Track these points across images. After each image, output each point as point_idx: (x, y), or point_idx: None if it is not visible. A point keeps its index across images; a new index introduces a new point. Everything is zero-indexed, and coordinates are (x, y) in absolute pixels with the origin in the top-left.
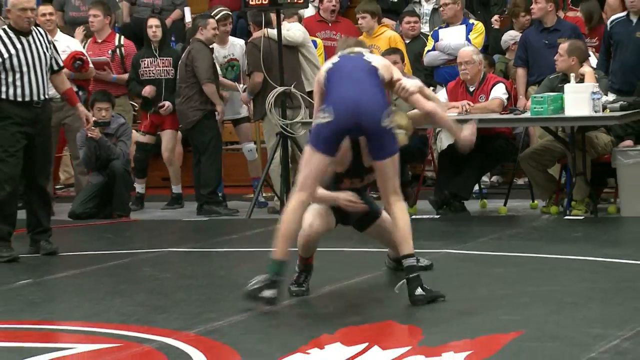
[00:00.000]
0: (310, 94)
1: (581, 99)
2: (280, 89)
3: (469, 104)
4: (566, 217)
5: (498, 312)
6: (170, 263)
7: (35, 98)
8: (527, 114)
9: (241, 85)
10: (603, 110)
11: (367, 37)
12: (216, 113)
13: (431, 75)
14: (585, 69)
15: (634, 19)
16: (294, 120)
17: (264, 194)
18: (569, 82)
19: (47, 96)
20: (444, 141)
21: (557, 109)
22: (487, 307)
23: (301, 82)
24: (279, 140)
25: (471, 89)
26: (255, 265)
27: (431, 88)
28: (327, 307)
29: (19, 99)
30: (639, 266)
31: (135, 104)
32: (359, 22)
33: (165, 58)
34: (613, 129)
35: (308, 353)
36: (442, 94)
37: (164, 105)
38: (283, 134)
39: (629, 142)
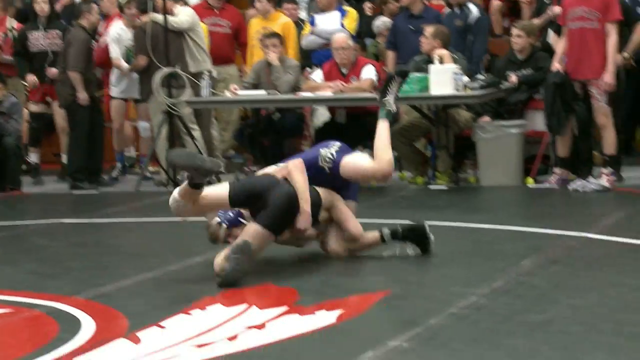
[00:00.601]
0: (195, 75)
1: (444, 79)
2: (166, 70)
3: (342, 84)
4: (431, 187)
5: (368, 274)
6: (61, 233)
7: None
8: None
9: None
10: (464, 90)
11: (262, 20)
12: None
13: (309, 58)
14: (443, 51)
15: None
16: (179, 99)
17: (150, 169)
18: (433, 63)
19: None
20: (320, 118)
21: (422, 88)
22: (359, 269)
23: (186, 63)
24: (165, 118)
25: (344, 71)
26: (142, 234)
27: (308, 69)
28: (209, 272)
29: None
30: (494, 231)
31: (27, 84)
32: (255, 4)
33: (53, 31)
34: (472, 106)
35: (190, 314)
36: (317, 74)
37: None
38: (169, 112)
39: (486, 119)
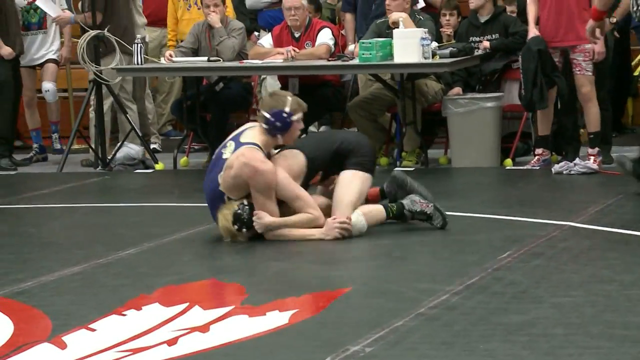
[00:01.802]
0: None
1: (410, 44)
2: (92, 33)
3: (294, 50)
4: (396, 169)
5: (324, 268)
6: None
7: None
8: (356, 61)
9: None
10: (433, 57)
11: None
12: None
13: (255, 20)
14: (401, 14)
15: None
16: (109, 67)
17: (75, 146)
18: (397, 27)
19: None
20: (269, 89)
21: (385, 56)
22: (313, 263)
23: (133, 24)
24: (92, 88)
25: (297, 35)
26: (67, 222)
27: (256, 33)
28: (145, 265)
29: None
30: (467, 218)
31: None
32: None
33: None
34: (443, 77)
35: (124, 314)
36: (267, 39)
37: None
38: (97, 81)
39: (457, 90)
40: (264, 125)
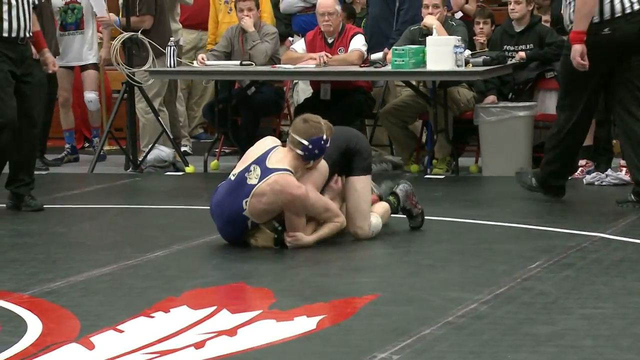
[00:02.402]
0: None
1: (443, 52)
2: (125, 35)
3: (327, 56)
4: (427, 176)
5: (353, 275)
6: (2, 220)
7: (21, 34)
8: (388, 67)
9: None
10: (465, 65)
11: None
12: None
13: (290, 25)
14: (432, 21)
15: None
16: (141, 69)
17: (107, 147)
18: (430, 34)
19: (30, 34)
20: (300, 94)
21: (418, 62)
22: (342, 270)
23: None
24: (124, 90)
25: (330, 41)
26: (97, 223)
27: (290, 38)
28: (173, 268)
29: (5, 34)
30: (497, 227)
31: None
32: None
33: None
34: (475, 85)
35: (152, 317)
36: (300, 44)
37: None
38: (129, 82)
39: (492, 98)
40: (300, 152)
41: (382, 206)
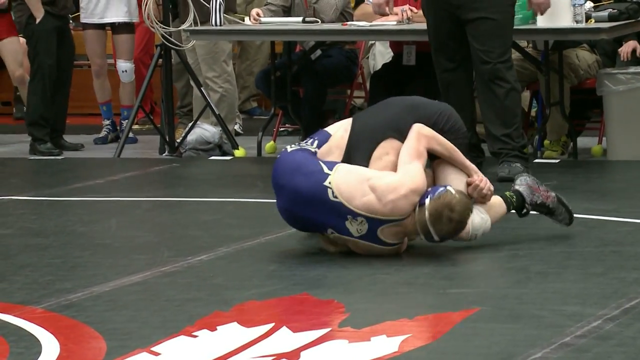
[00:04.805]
0: None
1: (558, 4)
2: None
3: (411, 10)
4: (537, 160)
5: (445, 284)
6: (11, 215)
7: None
8: None
9: None
10: (587, 21)
11: None
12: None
13: None
14: None
15: None
16: (180, 28)
17: (136, 126)
18: None
19: None
20: (377, 59)
21: (526, 19)
22: (431, 278)
23: None
24: (159, 53)
25: None
26: (125, 220)
27: None
28: (221, 275)
29: None
30: (627, 225)
31: None
32: None
33: None
34: (599, 46)
35: (195, 336)
36: None
37: None
38: (165, 45)
39: (633, 44)
40: (422, 235)
41: (493, 201)
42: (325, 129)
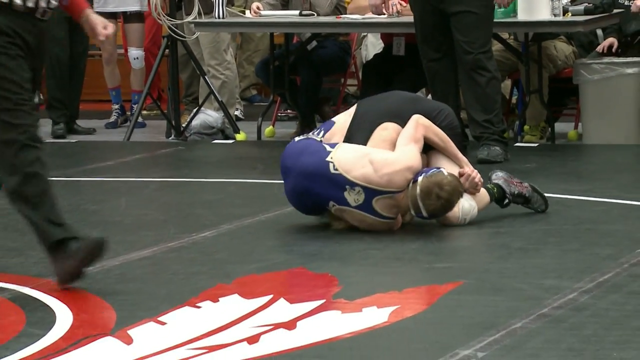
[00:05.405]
0: None
1: (537, 0)
2: None
3: (401, 4)
4: (517, 144)
5: (431, 259)
6: None
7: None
8: None
9: None
10: (564, 14)
11: None
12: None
13: None
14: None
15: None
16: (185, 20)
17: (144, 112)
18: None
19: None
20: (369, 49)
21: (508, 12)
22: (419, 253)
23: None
24: (166, 44)
25: None
26: (134, 199)
27: None
28: (223, 251)
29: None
30: (601, 204)
31: None
32: None
33: None
34: (576, 38)
35: (198, 307)
36: None
37: None
38: (171, 36)
39: (611, 40)
40: (413, 212)
41: (480, 193)
42: (332, 119)
